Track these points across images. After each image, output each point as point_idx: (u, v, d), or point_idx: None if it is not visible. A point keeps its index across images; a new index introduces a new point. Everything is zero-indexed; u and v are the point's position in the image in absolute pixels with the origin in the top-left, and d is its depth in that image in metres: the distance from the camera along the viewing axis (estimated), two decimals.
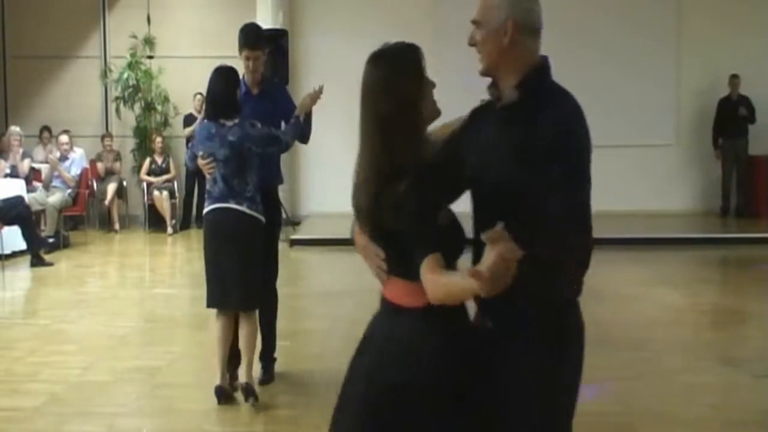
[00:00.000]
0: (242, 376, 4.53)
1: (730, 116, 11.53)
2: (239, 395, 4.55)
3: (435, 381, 2.08)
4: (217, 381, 4.48)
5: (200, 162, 4.44)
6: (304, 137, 4.76)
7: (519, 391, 2.13)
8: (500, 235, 1.76)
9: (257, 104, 4.61)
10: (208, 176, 4.45)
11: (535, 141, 2.05)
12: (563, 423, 2.22)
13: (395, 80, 2.11)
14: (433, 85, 2.16)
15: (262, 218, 4.47)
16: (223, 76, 4.45)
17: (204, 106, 4.54)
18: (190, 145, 4.69)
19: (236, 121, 4.38)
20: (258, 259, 4.51)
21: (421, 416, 2.09)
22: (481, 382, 2.14)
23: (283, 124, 4.73)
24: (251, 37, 4.70)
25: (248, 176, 4.40)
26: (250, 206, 4.39)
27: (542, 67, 2.17)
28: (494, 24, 2.11)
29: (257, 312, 4.60)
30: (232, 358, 4.69)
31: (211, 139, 4.39)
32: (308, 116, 4.69)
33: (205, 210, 4.50)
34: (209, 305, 4.53)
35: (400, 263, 2.10)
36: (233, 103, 4.41)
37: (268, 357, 4.94)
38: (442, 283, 1.99)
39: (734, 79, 11.59)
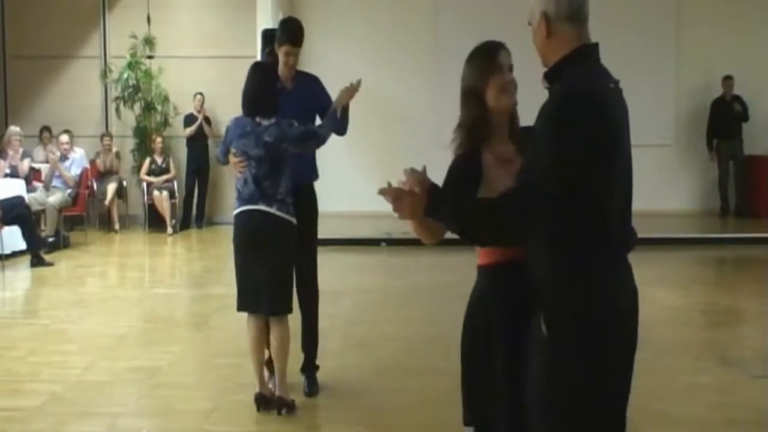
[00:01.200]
0: (276, 388, 4.42)
1: (725, 117, 11.53)
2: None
3: (486, 328, 2.53)
4: (256, 388, 4.39)
5: (232, 159, 4.33)
6: (342, 130, 4.66)
7: (529, 381, 2.28)
8: (412, 173, 2.19)
9: (291, 100, 4.50)
10: (238, 175, 4.32)
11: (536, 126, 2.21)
12: (573, 423, 2.21)
13: (465, 71, 2.61)
14: (504, 80, 2.55)
15: (293, 219, 4.33)
16: (262, 72, 4.35)
17: (241, 103, 4.38)
18: (223, 140, 4.53)
19: (273, 120, 4.25)
20: (290, 263, 4.40)
21: (476, 360, 2.55)
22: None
23: (318, 118, 4.67)
24: (294, 32, 4.63)
25: (281, 178, 4.27)
26: (280, 208, 4.26)
27: (573, 53, 2.23)
28: (535, 21, 2.27)
29: (288, 317, 4.43)
30: (272, 363, 4.60)
31: (246, 136, 4.26)
32: (345, 109, 4.61)
33: (235, 212, 4.34)
34: (240, 309, 4.40)
35: None
36: (272, 101, 4.29)
37: (310, 365, 4.82)
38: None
39: (728, 80, 11.59)
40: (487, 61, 2.56)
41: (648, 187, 11.87)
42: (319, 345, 4.96)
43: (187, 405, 4.53)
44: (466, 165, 2.54)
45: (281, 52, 4.61)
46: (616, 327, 2.22)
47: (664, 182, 12.00)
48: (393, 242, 9.54)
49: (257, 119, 4.27)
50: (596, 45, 2.27)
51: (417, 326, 6.40)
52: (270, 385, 4.52)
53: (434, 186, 2.19)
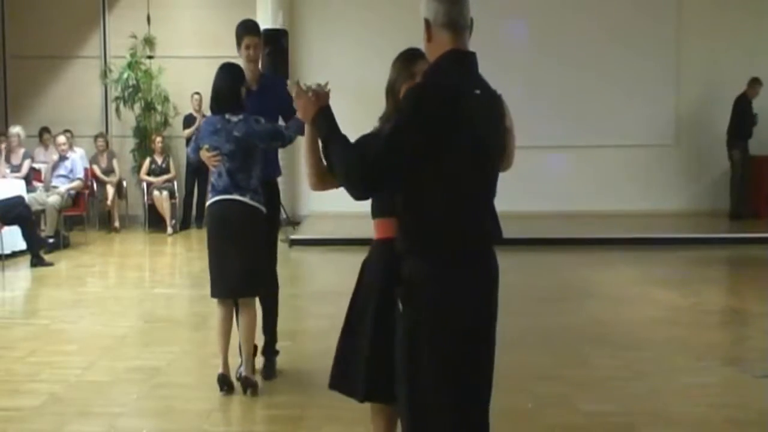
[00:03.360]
0: (243, 369, 4.65)
1: (748, 118, 11.38)
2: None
3: (378, 286, 2.93)
4: (220, 369, 4.60)
5: (205, 154, 4.54)
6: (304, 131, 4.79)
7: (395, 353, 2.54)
8: (319, 86, 2.67)
9: (257, 100, 4.66)
10: (212, 169, 4.55)
11: None
12: (408, 364, 2.45)
13: (390, 70, 2.99)
14: (409, 81, 2.82)
15: (263, 209, 4.58)
16: (229, 72, 4.56)
17: (209, 102, 4.68)
18: (193, 138, 4.83)
19: (241, 116, 4.48)
20: (259, 248, 4.63)
21: (367, 313, 2.95)
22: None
23: (281, 119, 4.80)
24: (249, 24, 4.88)
25: (252, 170, 4.52)
26: (253, 197, 4.50)
27: (445, 55, 2.46)
28: (423, 26, 2.52)
29: (257, 302, 4.72)
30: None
31: (216, 133, 4.50)
32: None
33: (209, 202, 4.59)
34: (213, 295, 4.64)
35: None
36: (238, 99, 4.53)
37: (270, 350, 4.99)
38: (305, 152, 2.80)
39: (756, 83, 11.36)
40: (405, 67, 2.92)
41: (648, 187, 11.93)
42: (320, 345, 4.99)
43: (187, 405, 4.52)
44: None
45: (242, 47, 4.78)
46: (464, 308, 2.43)
47: (664, 182, 12.01)
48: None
49: (226, 116, 4.51)
50: (473, 54, 2.51)
51: None
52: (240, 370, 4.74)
53: (329, 107, 2.60)
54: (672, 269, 8.73)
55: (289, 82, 2.75)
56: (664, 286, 7.71)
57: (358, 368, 2.97)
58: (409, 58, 2.95)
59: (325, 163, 2.65)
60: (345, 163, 2.43)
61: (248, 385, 4.59)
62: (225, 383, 4.58)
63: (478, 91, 2.46)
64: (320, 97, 2.63)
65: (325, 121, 2.57)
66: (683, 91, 12.07)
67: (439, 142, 2.34)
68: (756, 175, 11.58)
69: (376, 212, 3.00)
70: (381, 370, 2.77)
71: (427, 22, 2.50)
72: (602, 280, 7.94)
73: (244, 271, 4.52)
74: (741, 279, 8.69)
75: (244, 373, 4.64)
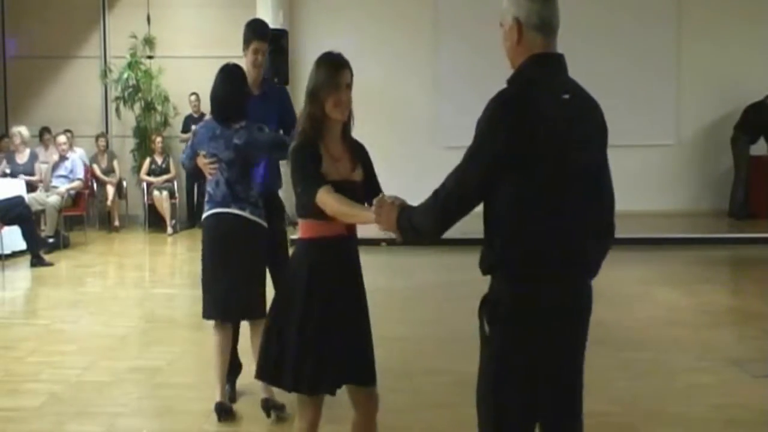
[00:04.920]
0: (261, 391, 4.36)
1: (764, 126, 11.38)
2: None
3: (304, 286, 3.00)
4: (217, 397, 4.29)
5: (202, 161, 4.27)
6: None
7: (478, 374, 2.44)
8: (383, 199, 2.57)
9: (258, 106, 4.43)
10: (209, 177, 4.27)
11: None
12: (494, 390, 2.37)
13: (312, 74, 2.98)
14: (339, 99, 2.93)
15: (264, 223, 4.30)
16: (232, 76, 4.24)
17: (211, 107, 4.38)
18: (188, 143, 4.49)
19: (243, 123, 4.20)
20: (262, 266, 4.36)
21: (293, 317, 3.00)
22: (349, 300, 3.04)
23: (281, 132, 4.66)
24: (261, 29, 4.63)
25: (252, 181, 4.26)
26: (253, 211, 4.21)
27: (530, 60, 2.30)
28: (507, 24, 2.34)
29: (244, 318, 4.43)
30: (232, 369, 4.54)
31: (215, 139, 4.20)
32: None
33: (206, 214, 4.27)
34: (207, 316, 4.32)
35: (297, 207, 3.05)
36: (242, 106, 4.23)
37: (236, 373, 4.76)
38: (341, 209, 2.87)
39: None
40: (330, 77, 2.92)
41: (648, 187, 11.92)
42: None
43: (188, 405, 4.53)
44: (311, 150, 2.97)
45: (249, 51, 4.55)
46: (549, 328, 2.38)
47: (665, 182, 12.00)
48: (393, 242, 9.53)
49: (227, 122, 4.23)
50: (560, 55, 2.34)
51: (418, 326, 6.39)
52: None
53: (404, 203, 2.52)
54: (672, 269, 8.73)
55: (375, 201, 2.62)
56: (664, 286, 7.71)
57: (286, 362, 3.03)
58: (335, 65, 2.92)
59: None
60: (429, 223, 2.37)
61: (270, 407, 4.34)
62: (223, 412, 4.27)
63: (566, 96, 2.29)
64: (396, 200, 2.56)
65: (407, 215, 2.45)
66: (684, 91, 12.06)
67: (517, 159, 2.19)
68: (756, 175, 11.57)
69: (301, 213, 3.03)
70: (307, 363, 2.97)
71: (518, 22, 2.30)
72: (603, 280, 7.89)
73: (247, 293, 4.24)
74: (741, 279, 8.69)
75: (265, 395, 4.32)
